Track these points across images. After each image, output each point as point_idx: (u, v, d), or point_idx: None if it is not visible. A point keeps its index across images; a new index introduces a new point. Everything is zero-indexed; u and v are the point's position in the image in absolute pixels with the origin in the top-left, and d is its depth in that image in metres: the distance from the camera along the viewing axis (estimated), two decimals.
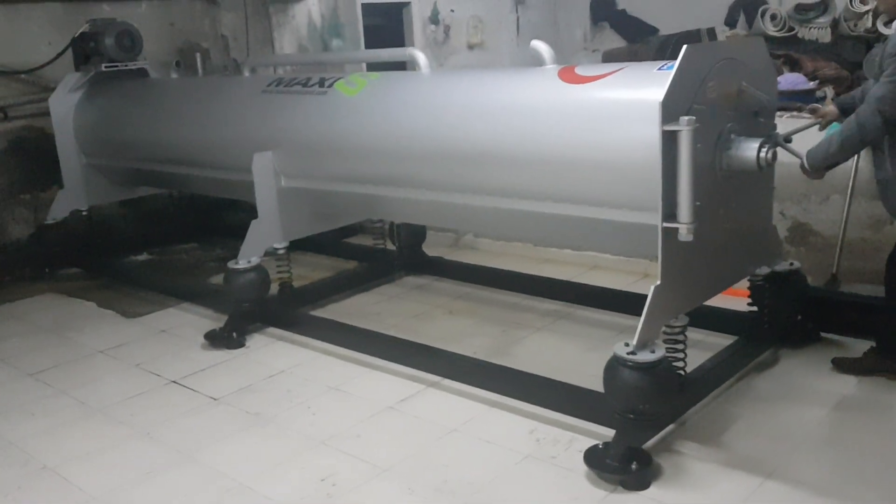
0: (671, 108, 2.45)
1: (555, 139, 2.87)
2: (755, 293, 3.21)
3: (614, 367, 2.53)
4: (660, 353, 2.51)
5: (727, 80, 2.70)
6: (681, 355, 2.73)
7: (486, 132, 3.07)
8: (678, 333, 2.72)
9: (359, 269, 4.76)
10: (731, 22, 6.91)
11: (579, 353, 3.51)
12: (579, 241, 3.95)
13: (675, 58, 2.53)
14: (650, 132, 2.54)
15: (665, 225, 2.51)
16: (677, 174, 2.46)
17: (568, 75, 2.97)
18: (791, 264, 3.24)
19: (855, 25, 5.61)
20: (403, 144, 3.39)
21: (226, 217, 6.24)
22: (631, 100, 2.71)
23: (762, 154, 2.64)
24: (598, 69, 2.94)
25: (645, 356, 2.48)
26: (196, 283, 4.93)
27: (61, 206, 5.27)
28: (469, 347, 3.58)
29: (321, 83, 3.81)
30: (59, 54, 5.40)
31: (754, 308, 3.25)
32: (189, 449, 2.91)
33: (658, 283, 2.55)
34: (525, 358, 3.46)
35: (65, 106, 5.21)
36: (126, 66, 5.30)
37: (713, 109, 2.62)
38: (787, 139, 2.95)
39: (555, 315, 3.96)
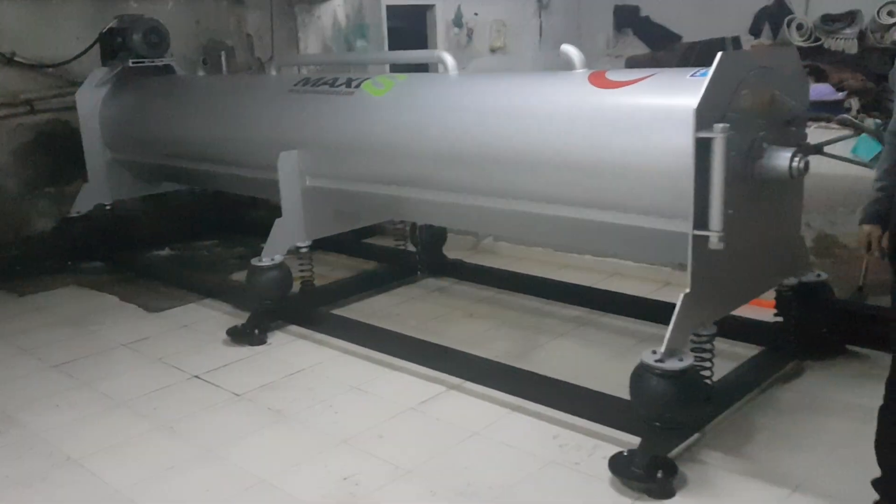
0: (705, 115, 2.44)
1: (585, 143, 2.87)
2: (782, 304, 3.19)
3: (641, 374, 2.52)
4: (688, 361, 2.49)
5: (760, 89, 2.68)
6: (708, 364, 2.72)
7: (515, 135, 3.07)
8: (706, 342, 2.71)
9: (379, 270, 4.77)
10: (755, 31, 6.89)
11: (602, 359, 3.50)
12: (606, 247, 3.94)
13: (701, 65, 2.53)
14: (683, 139, 2.54)
15: (696, 233, 2.49)
16: (710, 182, 2.45)
17: (599, 80, 2.96)
18: (818, 275, 3.21)
19: (882, 37, 5.57)
20: (430, 146, 3.39)
21: (247, 214, 6.27)
22: (663, 106, 2.70)
23: (795, 163, 2.62)
24: (629, 74, 2.93)
25: (673, 364, 2.47)
26: (218, 279, 4.95)
27: (85, 200, 5.32)
28: (490, 351, 3.57)
29: (348, 83, 3.83)
30: (87, 49, 5.45)
31: (780, 319, 3.23)
32: (212, 444, 2.92)
33: (687, 290, 2.53)
34: (547, 363, 3.44)
35: (91, 101, 5.26)
36: (152, 62, 5.35)
37: (746, 117, 2.60)
38: (819, 149, 2.94)
39: (577, 321, 3.95)
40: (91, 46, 5.44)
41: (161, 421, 3.12)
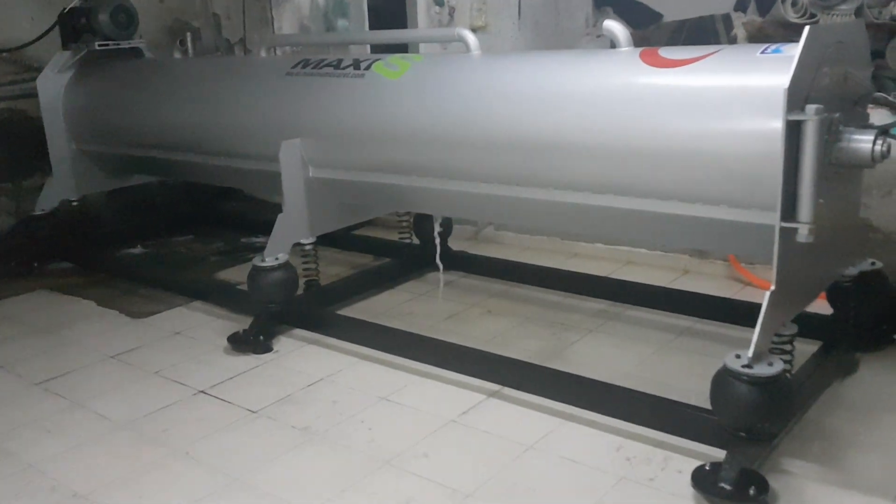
0: (796, 96, 2.22)
1: (642, 128, 2.63)
2: (840, 295, 3.00)
3: (727, 381, 2.29)
4: (778, 366, 2.28)
5: (837, 66, 2.48)
6: (789, 367, 2.51)
7: (558, 120, 2.80)
8: (786, 343, 2.51)
9: (385, 265, 4.46)
10: (741, 7, 6.74)
11: (642, 357, 3.28)
12: (664, 240, 3.71)
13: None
14: (762, 122, 2.35)
15: (783, 225, 2.28)
16: (800, 169, 2.24)
17: (652, 58, 2.72)
18: (872, 263, 3.05)
19: (879, 13, 5.47)
20: (456, 133, 3.11)
21: (221, 207, 5.91)
22: (738, 86, 2.47)
23: (877, 147, 2.42)
24: (686, 52, 2.69)
25: (763, 370, 2.26)
26: (206, 279, 4.59)
27: (50, 196, 4.89)
28: (520, 351, 3.32)
29: (356, 65, 3.51)
30: (46, 32, 5.00)
31: (835, 311, 3.06)
32: (238, 471, 2.60)
33: (773, 288, 2.31)
34: (584, 363, 3.22)
35: (54, 87, 4.81)
36: (119, 45, 4.92)
37: (826, 98, 2.39)
38: (884, 131, 2.75)
39: (603, 315, 3.73)
40: (51, 28, 4.98)
41: (173, 446, 2.79)
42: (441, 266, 3.91)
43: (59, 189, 4.91)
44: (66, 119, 4.85)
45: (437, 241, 3.94)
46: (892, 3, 5.39)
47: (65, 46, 4.94)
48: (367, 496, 2.43)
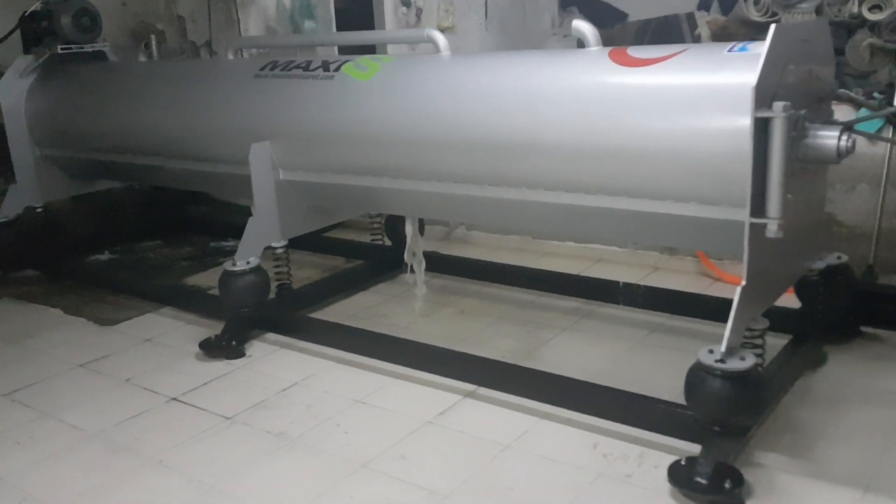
0: (763, 93, 2.25)
1: (613, 127, 2.64)
2: (807, 289, 3.05)
3: (700, 376, 2.32)
4: (751, 360, 2.31)
5: (802, 64, 2.53)
6: (760, 361, 2.55)
7: (533, 120, 2.81)
8: (758, 337, 2.54)
9: (358, 268, 4.44)
10: (704, 6, 6.82)
11: (617, 354, 3.31)
12: (633, 238, 3.74)
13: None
14: (731, 120, 2.38)
15: (753, 220, 2.31)
16: (768, 166, 2.27)
17: (621, 57, 2.74)
18: (839, 257, 3.10)
19: (839, 11, 5.57)
20: (427, 134, 3.10)
21: (189, 211, 5.85)
22: (706, 84, 2.50)
23: (843, 142, 2.46)
24: (654, 51, 2.72)
25: (735, 364, 2.29)
26: (175, 284, 4.54)
27: (14, 203, 4.80)
28: (494, 350, 3.34)
29: (325, 67, 3.49)
30: (8, 34, 4.90)
31: (803, 304, 3.11)
32: (213, 479, 2.58)
33: (744, 283, 2.35)
34: (558, 361, 3.24)
35: (16, 92, 4.73)
36: (82, 48, 4.85)
37: (792, 95, 2.43)
38: (849, 127, 2.80)
39: (577, 313, 3.75)
40: (11, 32, 4.89)
41: (147, 454, 2.75)
42: (423, 263, 3.90)
43: (23, 195, 4.82)
44: (28, 124, 4.77)
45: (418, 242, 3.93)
46: (851, 1, 5.51)
47: (26, 50, 4.86)
48: (344, 500, 2.42)
